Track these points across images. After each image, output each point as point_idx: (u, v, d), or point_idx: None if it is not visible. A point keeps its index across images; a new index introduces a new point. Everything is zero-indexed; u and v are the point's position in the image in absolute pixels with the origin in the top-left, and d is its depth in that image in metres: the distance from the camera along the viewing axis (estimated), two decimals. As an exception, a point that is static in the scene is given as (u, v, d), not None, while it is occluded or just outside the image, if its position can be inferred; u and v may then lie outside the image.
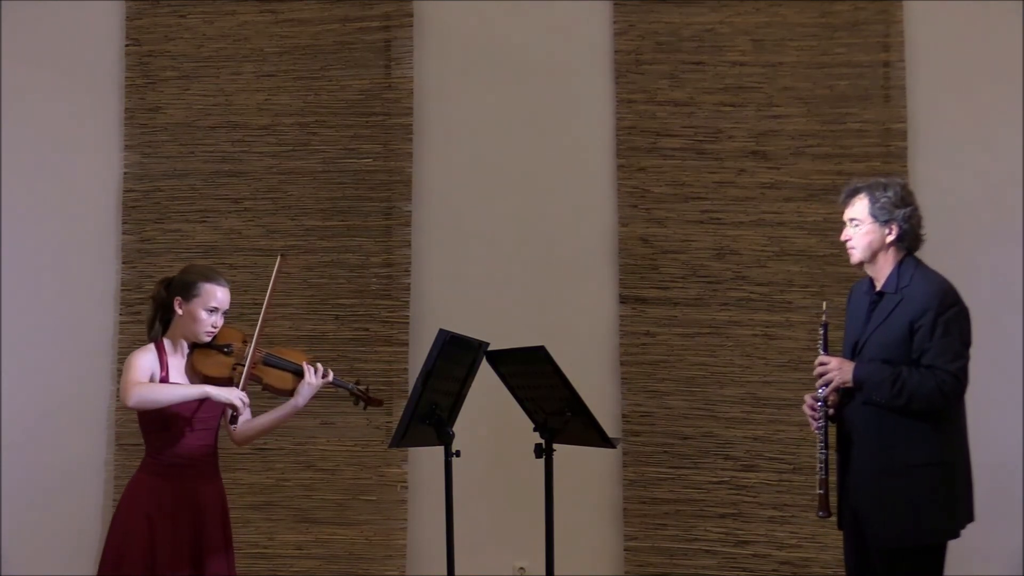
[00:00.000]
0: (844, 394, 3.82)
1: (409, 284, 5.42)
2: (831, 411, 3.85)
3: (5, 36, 5.49)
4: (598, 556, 5.34)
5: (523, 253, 5.44)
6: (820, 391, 3.83)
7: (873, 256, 3.82)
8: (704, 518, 5.29)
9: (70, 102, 5.52)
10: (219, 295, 3.88)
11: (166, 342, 3.91)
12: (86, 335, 5.43)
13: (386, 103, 5.47)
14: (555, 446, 4.08)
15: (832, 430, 3.88)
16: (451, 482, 3.94)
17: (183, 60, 5.53)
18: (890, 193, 3.79)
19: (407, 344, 5.39)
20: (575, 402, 3.92)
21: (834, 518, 3.88)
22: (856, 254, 3.84)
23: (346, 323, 5.41)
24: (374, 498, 5.35)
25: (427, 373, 3.79)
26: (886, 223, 3.78)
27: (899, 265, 3.79)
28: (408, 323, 5.41)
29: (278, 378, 3.97)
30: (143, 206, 5.48)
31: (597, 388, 5.17)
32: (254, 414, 4.02)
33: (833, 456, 3.87)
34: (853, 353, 3.83)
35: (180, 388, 3.81)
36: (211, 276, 3.91)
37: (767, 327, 5.32)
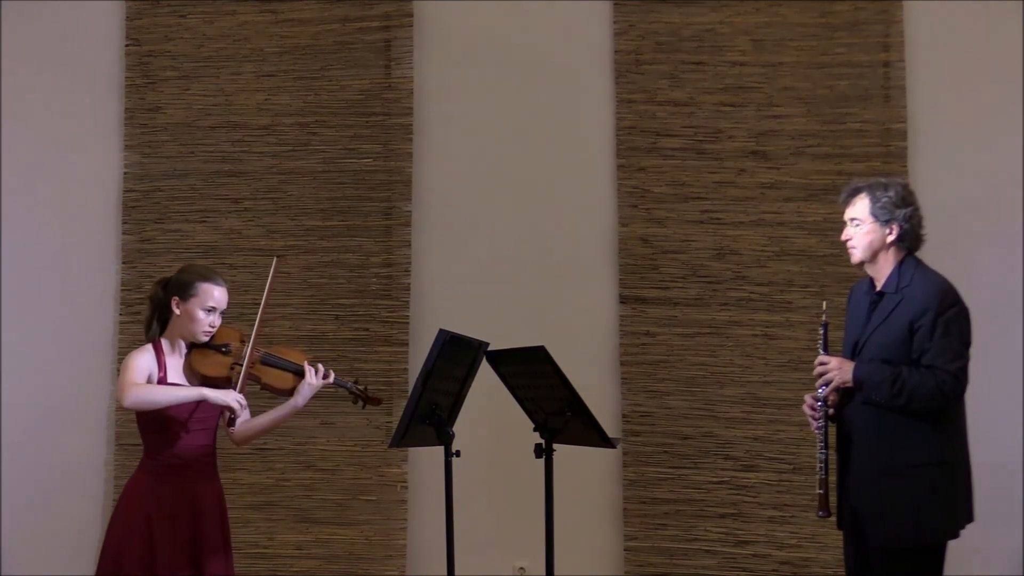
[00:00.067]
0: (844, 394, 3.82)
1: (409, 284, 5.42)
2: (831, 411, 3.85)
3: (5, 36, 5.49)
4: (598, 556, 5.34)
5: (523, 253, 5.44)
6: (820, 391, 3.83)
7: (874, 256, 3.82)
8: (704, 518, 5.29)
9: (70, 102, 5.52)
10: (216, 295, 3.88)
11: (164, 342, 3.90)
12: (86, 335, 5.43)
13: (386, 103, 5.47)
14: (555, 446, 4.08)
15: (832, 430, 3.88)
16: (451, 482, 3.94)
17: (183, 60, 5.53)
18: (891, 193, 3.79)
19: (407, 344, 5.39)
20: (575, 402, 3.92)
21: (834, 518, 3.88)
22: (857, 254, 3.84)
23: (346, 323, 5.41)
24: (374, 498, 5.35)
25: (427, 373, 3.79)
26: (887, 223, 3.78)
27: (899, 265, 3.79)
28: (408, 323, 5.41)
29: (277, 378, 3.97)
30: (143, 206, 5.48)
31: (597, 388, 5.17)
32: (253, 414, 4.02)
33: (833, 456, 3.87)
34: (853, 353, 3.83)
35: (176, 390, 3.81)
36: (208, 276, 3.90)
37: (767, 327, 5.32)
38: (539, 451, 4.06)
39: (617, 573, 5.33)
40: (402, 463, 5.36)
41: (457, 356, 3.94)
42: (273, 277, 4.03)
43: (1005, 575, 5.15)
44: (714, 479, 5.29)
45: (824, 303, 3.97)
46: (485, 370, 4.07)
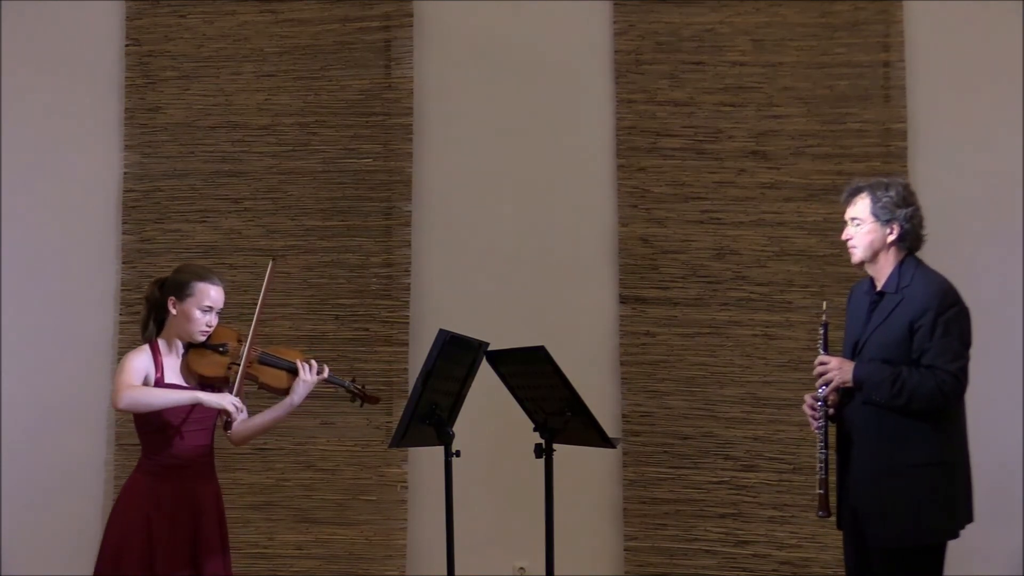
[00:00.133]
0: (844, 394, 3.82)
1: (409, 284, 5.42)
2: (831, 411, 3.85)
3: (5, 36, 5.49)
4: (598, 556, 5.34)
5: (523, 253, 5.44)
6: (820, 391, 3.83)
7: (874, 255, 3.82)
8: (704, 518, 5.29)
9: (70, 102, 5.52)
10: (213, 294, 3.87)
11: (161, 342, 3.89)
12: (86, 335, 5.43)
13: (386, 103, 5.47)
14: (555, 446, 4.07)
15: (832, 430, 3.88)
16: (451, 482, 3.94)
17: (183, 60, 5.53)
18: (892, 193, 3.79)
19: (407, 344, 5.39)
20: (575, 402, 3.91)
21: (834, 518, 3.88)
22: (857, 253, 3.84)
23: (346, 323, 5.41)
24: (374, 498, 5.35)
25: (427, 373, 3.79)
26: (888, 223, 3.78)
27: (900, 265, 3.79)
28: (408, 323, 5.41)
29: (273, 376, 3.96)
30: (143, 206, 5.48)
31: (597, 388, 5.17)
32: (251, 413, 4.01)
33: (833, 456, 3.87)
34: (853, 353, 3.83)
35: (171, 393, 3.79)
36: (204, 275, 3.89)
37: (767, 327, 5.32)
38: (539, 451, 4.05)
39: (617, 573, 5.33)
40: (402, 463, 5.36)
41: (457, 356, 3.94)
42: (269, 279, 4.02)
43: (1005, 575, 5.15)
44: (714, 479, 5.29)
45: (824, 303, 3.97)
46: (485, 370, 4.07)
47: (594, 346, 5.38)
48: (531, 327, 5.02)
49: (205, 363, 3.88)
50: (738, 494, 5.27)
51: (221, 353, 3.90)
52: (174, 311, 3.85)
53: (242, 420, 3.94)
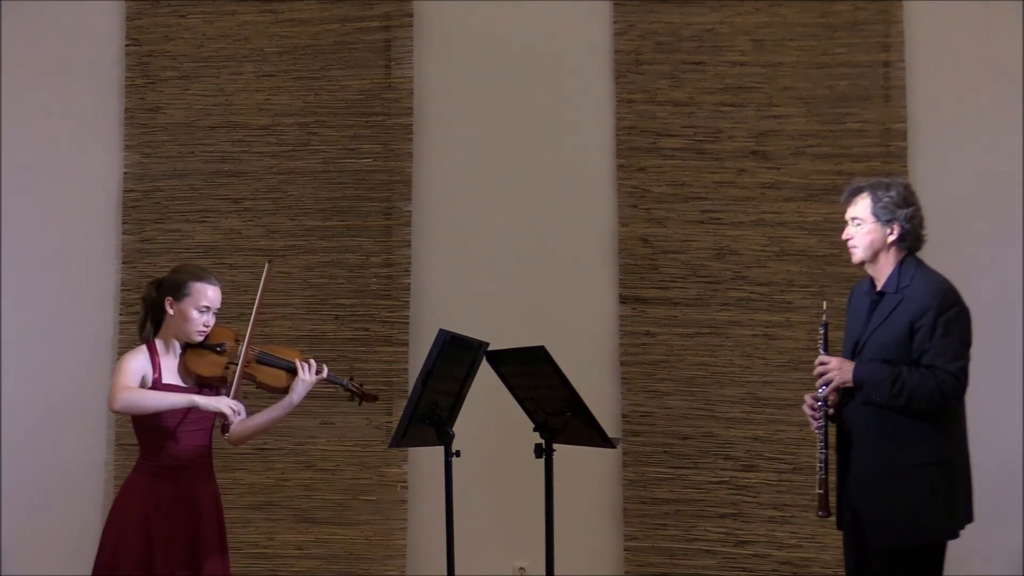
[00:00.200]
0: (844, 394, 3.82)
1: (409, 284, 5.42)
2: (831, 411, 3.85)
3: (5, 36, 5.49)
4: (598, 556, 5.34)
5: (523, 253, 5.44)
6: (820, 391, 3.83)
7: (874, 255, 3.82)
8: (704, 518, 5.29)
9: (70, 102, 5.52)
10: (210, 294, 3.86)
11: (158, 343, 3.89)
12: (86, 335, 5.43)
13: (386, 103, 5.47)
14: (555, 446, 4.08)
15: (832, 430, 3.88)
16: (451, 482, 3.94)
17: (183, 60, 5.53)
18: (893, 193, 3.79)
19: (407, 344, 5.39)
20: (575, 402, 3.91)
21: (834, 518, 3.88)
22: (857, 253, 3.84)
23: (346, 323, 5.41)
24: (374, 498, 5.35)
25: (427, 373, 3.79)
26: (888, 223, 3.78)
27: (900, 265, 3.79)
28: (408, 323, 5.41)
29: (272, 376, 3.96)
30: (143, 206, 5.48)
31: (597, 388, 5.17)
32: (249, 413, 4.00)
33: (833, 456, 3.87)
34: (853, 353, 3.83)
35: (167, 396, 3.78)
36: (201, 275, 3.89)
37: (767, 327, 5.32)
38: (539, 451, 4.06)
39: (617, 573, 5.33)
40: (402, 463, 5.36)
41: (457, 356, 3.94)
42: (266, 281, 4.02)
43: (1005, 575, 5.15)
44: (714, 479, 5.29)
45: (824, 303, 3.97)
46: (485, 370, 4.07)
47: (594, 346, 5.38)
48: (531, 327, 5.02)
49: (203, 363, 3.88)
50: (738, 494, 5.27)
51: (219, 353, 3.90)
52: (171, 311, 3.85)
53: (240, 420, 3.94)
